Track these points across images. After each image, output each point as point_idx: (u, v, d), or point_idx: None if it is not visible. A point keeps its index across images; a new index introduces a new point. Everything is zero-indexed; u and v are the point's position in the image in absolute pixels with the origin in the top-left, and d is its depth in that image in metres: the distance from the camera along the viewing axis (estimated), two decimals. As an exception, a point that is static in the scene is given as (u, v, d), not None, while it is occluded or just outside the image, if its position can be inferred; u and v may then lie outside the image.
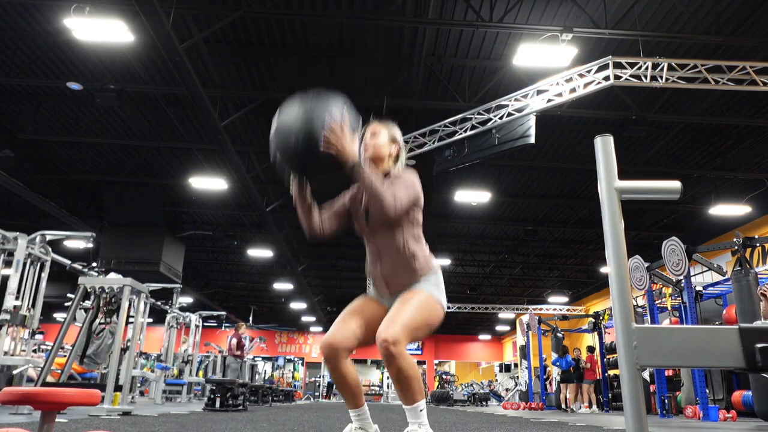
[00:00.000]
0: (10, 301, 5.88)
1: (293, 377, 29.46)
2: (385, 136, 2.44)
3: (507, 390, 22.54)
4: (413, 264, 2.27)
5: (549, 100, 7.76)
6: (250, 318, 26.81)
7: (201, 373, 16.43)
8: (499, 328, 28.52)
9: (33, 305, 6.56)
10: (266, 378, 24.74)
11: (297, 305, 24.00)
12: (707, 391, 8.42)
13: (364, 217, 2.33)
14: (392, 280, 2.30)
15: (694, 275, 11.85)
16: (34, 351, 7.22)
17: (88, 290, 5.91)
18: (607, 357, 13.31)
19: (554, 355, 13.46)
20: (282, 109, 2.09)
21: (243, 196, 12.67)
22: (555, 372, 13.01)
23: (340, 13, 7.44)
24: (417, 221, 2.32)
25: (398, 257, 2.27)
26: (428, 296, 2.25)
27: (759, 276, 7.39)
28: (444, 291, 2.34)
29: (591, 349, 13.35)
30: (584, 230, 14.87)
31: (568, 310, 21.32)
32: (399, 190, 2.18)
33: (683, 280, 8.55)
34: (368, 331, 2.26)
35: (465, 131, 8.44)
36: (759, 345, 0.96)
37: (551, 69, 7.73)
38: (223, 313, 18.23)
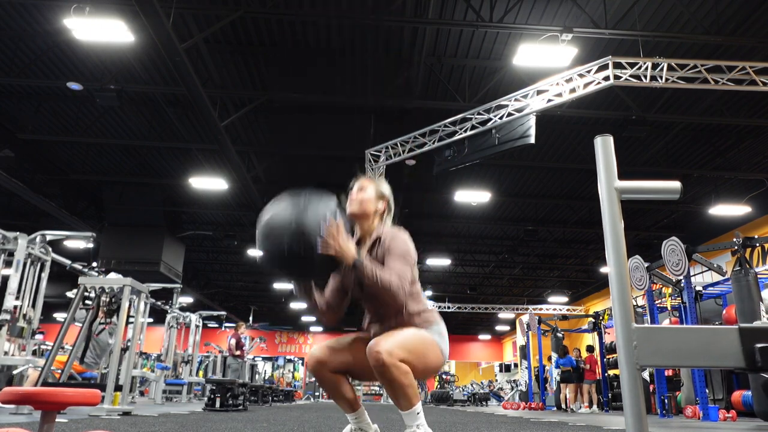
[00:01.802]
0: (10, 301, 5.88)
1: (293, 377, 29.47)
2: (372, 191, 2.32)
3: (501, 389, 22.55)
4: (411, 325, 2.21)
5: (549, 100, 7.76)
6: (250, 318, 26.81)
7: (201, 373, 16.44)
8: (499, 328, 28.53)
9: (33, 305, 6.56)
10: (266, 378, 24.74)
11: (297, 305, 24.01)
12: (707, 391, 8.42)
13: (359, 288, 2.23)
14: None
15: (694, 275, 11.86)
16: (34, 353, 7.22)
17: (88, 290, 5.91)
18: (607, 357, 13.31)
19: (554, 355, 13.46)
20: (271, 212, 2.01)
21: (243, 196, 12.67)
22: (555, 373, 13.01)
23: (340, 13, 7.44)
24: (414, 280, 2.23)
25: (397, 320, 2.21)
26: (427, 333, 2.18)
27: (759, 276, 7.39)
28: (446, 341, 2.24)
29: (590, 348, 13.33)
30: (584, 230, 14.87)
31: (568, 310, 21.33)
32: (397, 264, 2.10)
33: (683, 280, 8.55)
34: (360, 363, 2.21)
35: (465, 131, 8.44)
36: (759, 345, 0.96)
37: (551, 69, 7.73)
38: (223, 313, 18.24)
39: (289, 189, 2.04)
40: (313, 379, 25.00)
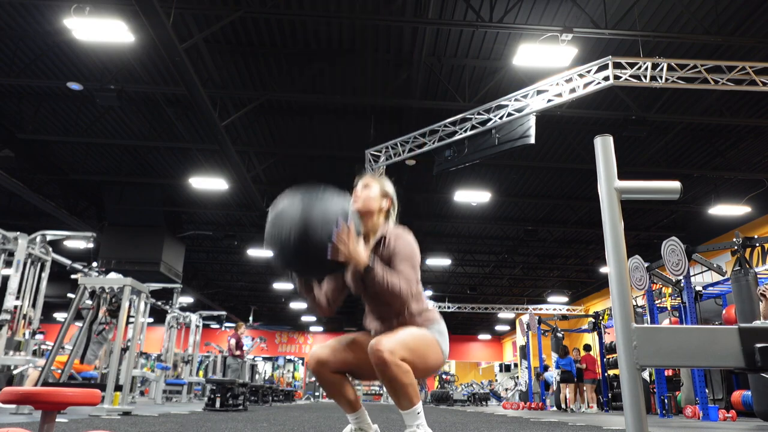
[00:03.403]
0: (10, 301, 5.89)
1: (293, 377, 29.47)
2: (376, 189, 2.33)
3: (507, 390, 22.55)
4: (413, 324, 2.22)
5: (549, 100, 7.76)
6: (250, 318, 26.81)
7: (201, 373, 16.44)
8: (499, 328, 28.53)
9: (33, 305, 6.56)
10: (266, 378, 24.75)
11: (297, 305, 24.01)
12: (707, 391, 8.43)
13: (363, 287, 2.25)
14: None
15: (694, 275, 11.86)
16: (34, 353, 7.23)
17: (88, 290, 5.91)
18: (607, 357, 13.32)
19: (554, 356, 13.46)
20: (280, 211, 1.98)
21: (243, 196, 12.67)
22: (555, 373, 13.01)
23: (340, 13, 7.44)
24: (417, 280, 2.24)
25: (396, 321, 2.23)
26: (430, 334, 2.19)
27: (759, 276, 7.40)
28: (447, 340, 2.25)
29: (587, 347, 13.37)
30: (584, 230, 14.87)
31: (568, 310, 21.33)
32: (405, 268, 2.12)
33: (683, 280, 8.56)
34: (361, 363, 2.22)
35: (465, 131, 8.44)
36: (758, 345, 0.96)
37: (551, 69, 7.73)
38: (223, 313, 18.25)
39: (302, 185, 2.02)
40: (314, 379, 25.06)
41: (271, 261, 2.03)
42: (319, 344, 2.29)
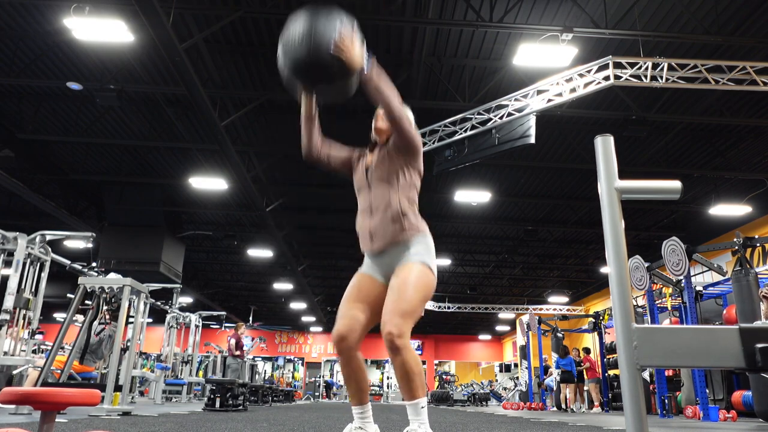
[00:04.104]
0: (10, 301, 5.88)
1: (293, 377, 29.47)
2: None
3: (505, 389, 22.54)
4: (402, 222, 2.30)
5: (549, 100, 7.76)
6: (250, 318, 26.81)
7: (201, 373, 16.44)
8: (499, 328, 28.52)
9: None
10: (266, 378, 24.75)
11: (297, 305, 24.01)
12: (707, 391, 8.42)
13: (364, 172, 2.44)
14: (379, 234, 2.33)
15: (694, 275, 11.86)
16: (34, 352, 7.23)
17: (88, 290, 5.91)
18: (607, 357, 13.32)
19: (554, 356, 13.46)
20: (289, 21, 2.14)
21: (243, 196, 12.67)
22: (555, 373, 13.02)
23: (340, 13, 7.42)
24: (414, 185, 2.41)
25: (389, 212, 2.32)
26: (422, 269, 2.27)
27: (759, 276, 7.40)
28: (434, 256, 2.37)
29: (587, 350, 13.49)
30: (584, 230, 14.87)
31: (568, 310, 21.33)
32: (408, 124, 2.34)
33: (683, 280, 8.55)
34: (372, 314, 2.31)
35: (465, 131, 8.44)
36: (759, 345, 0.96)
37: (551, 69, 7.73)
38: (223, 313, 18.24)
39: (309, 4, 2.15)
40: (314, 379, 24.88)
41: (281, 70, 2.17)
42: (337, 323, 2.31)
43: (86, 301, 6.32)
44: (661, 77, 7.20)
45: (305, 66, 2.10)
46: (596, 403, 12.50)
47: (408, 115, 2.38)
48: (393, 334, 2.08)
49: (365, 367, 2.35)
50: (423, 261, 2.28)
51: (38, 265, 6.50)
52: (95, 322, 6.38)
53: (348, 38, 2.08)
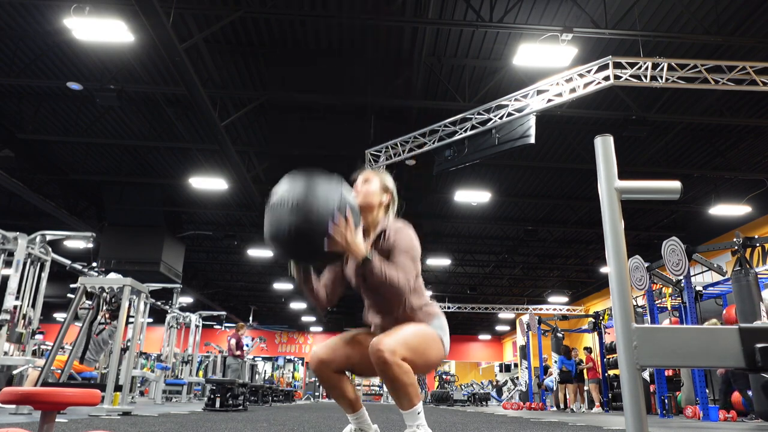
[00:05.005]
0: (10, 301, 5.88)
1: (293, 377, 29.47)
2: (376, 184, 2.33)
3: (497, 382, 22.53)
4: (413, 319, 2.21)
5: (549, 100, 7.76)
6: (250, 318, 26.82)
7: (201, 373, 16.44)
8: (499, 328, 28.53)
9: (33, 305, 6.56)
10: (266, 378, 24.75)
11: (297, 305, 24.01)
12: (707, 391, 8.42)
13: (362, 280, 2.24)
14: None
15: (694, 275, 11.86)
16: (34, 353, 7.23)
17: (89, 290, 5.91)
18: (607, 357, 13.32)
19: (554, 356, 13.47)
20: (279, 198, 1.95)
21: (243, 196, 12.67)
22: (556, 374, 13.03)
23: (340, 13, 7.43)
24: (417, 274, 2.22)
25: (399, 314, 2.22)
26: (429, 328, 2.19)
27: (759, 276, 7.40)
28: (447, 334, 2.24)
29: (588, 350, 13.52)
30: (584, 230, 14.87)
31: (568, 310, 21.32)
32: (404, 261, 2.11)
33: (683, 280, 8.56)
34: (360, 361, 2.21)
35: (465, 131, 8.44)
36: (759, 345, 0.96)
37: (551, 69, 7.73)
38: (223, 313, 18.24)
39: (301, 171, 1.99)
40: (314, 379, 24.95)
41: (270, 249, 2.02)
42: (319, 343, 2.28)
43: (86, 301, 6.32)
44: (661, 77, 7.20)
45: (299, 255, 2.01)
46: (597, 403, 12.53)
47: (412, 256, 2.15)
48: (382, 350, 1.94)
49: (347, 378, 2.26)
50: (433, 328, 2.20)
51: (38, 265, 6.51)
52: (95, 322, 6.38)
53: (343, 229, 1.93)
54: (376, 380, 29.81)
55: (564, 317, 16.15)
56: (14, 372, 6.19)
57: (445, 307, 21.36)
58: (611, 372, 13.56)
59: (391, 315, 2.23)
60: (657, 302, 10.51)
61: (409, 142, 8.83)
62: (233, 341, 11.31)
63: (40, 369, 5.70)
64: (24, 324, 6.13)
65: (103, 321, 6.52)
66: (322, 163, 11.92)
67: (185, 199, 13.71)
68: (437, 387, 20.56)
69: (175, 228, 14.40)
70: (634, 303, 12.41)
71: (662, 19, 7.48)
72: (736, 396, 8.47)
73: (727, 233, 12.65)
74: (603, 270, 18.09)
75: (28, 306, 6.30)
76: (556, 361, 13.15)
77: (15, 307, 5.97)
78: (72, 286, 6.31)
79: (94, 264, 9.09)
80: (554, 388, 13.29)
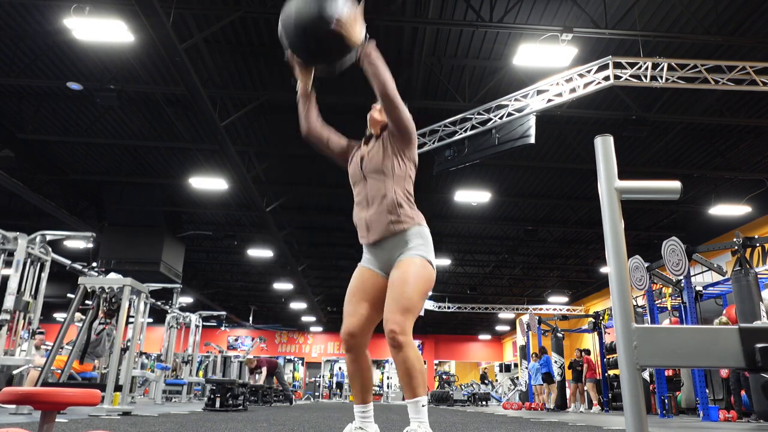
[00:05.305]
0: (10, 301, 5.88)
1: (293, 377, 29.47)
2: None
3: (502, 385, 22.55)
4: (398, 212, 2.31)
5: (549, 100, 7.76)
6: (250, 318, 26.81)
7: (201, 373, 16.44)
8: (499, 328, 28.52)
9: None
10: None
11: (297, 305, 24.00)
12: (707, 391, 8.42)
13: (359, 164, 2.47)
14: (375, 225, 2.34)
15: (694, 275, 11.86)
16: (37, 347, 7.25)
17: (89, 290, 5.91)
18: (607, 357, 13.32)
19: (555, 355, 13.47)
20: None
21: (243, 196, 12.67)
22: (556, 372, 13.02)
23: (340, 13, 7.42)
24: (410, 177, 2.45)
25: (384, 203, 2.33)
26: (421, 263, 2.28)
27: (759, 276, 7.40)
28: (432, 248, 2.37)
29: (587, 351, 13.57)
30: (584, 230, 14.87)
31: (568, 310, 21.32)
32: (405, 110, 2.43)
33: (683, 280, 8.56)
34: (376, 311, 2.33)
35: (465, 131, 8.44)
36: (759, 345, 0.96)
37: (551, 69, 7.73)
38: (223, 313, 18.25)
39: None
40: (314, 379, 24.85)
41: (283, 40, 2.20)
42: (344, 321, 2.34)
43: (86, 301, 6.32)
44: (661, 77, 7.20)
45: (306, 40, 2.15)
46: (595, 402, 12.53)
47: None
48: (395, 332, 2.10)
49: (372, 366, 2.37)
50: (421, 255, 2.29)
51: (38, 265, 6.51)
52: (95, 322, 6.38)
53: (351, 15, 2.16)
54: (376, 380, 29.80)
55: (564, 317, 16.16)
56: (14, 372, 6.19)
57: (445, 307, 21.36)
58: (611, 372, 13.57)
59: (378, 204, 2.33)
60: (657, 302, 10.51)
61: (409, 142, 8.82)
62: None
63: (40, 369, 5.70)
64: (24, 324, 6.13)
65: (103, 321, 6.52)
66: (322, 163, 11.92)
67: (185, 199, 13.71)
68: (437, 387, 20.57)
69: (175, 228, 14.39)
70: (634, 303, 12.42)
71: (662, 19, 7.48)
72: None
73: (727, 233, 12.66)
74: (603, 270, 18.09)
75: (30, 296, 6.28)
76: (526, 367, 13.28)
77: (15, 310, 5.95)
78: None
79: (94, 264, 9.09)
80: (524, 389, 13.44)
